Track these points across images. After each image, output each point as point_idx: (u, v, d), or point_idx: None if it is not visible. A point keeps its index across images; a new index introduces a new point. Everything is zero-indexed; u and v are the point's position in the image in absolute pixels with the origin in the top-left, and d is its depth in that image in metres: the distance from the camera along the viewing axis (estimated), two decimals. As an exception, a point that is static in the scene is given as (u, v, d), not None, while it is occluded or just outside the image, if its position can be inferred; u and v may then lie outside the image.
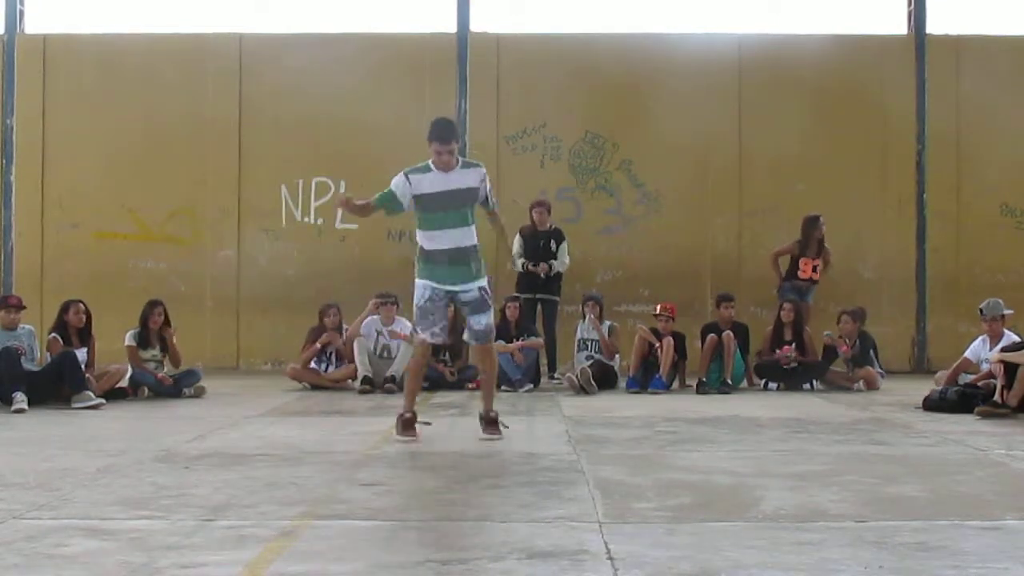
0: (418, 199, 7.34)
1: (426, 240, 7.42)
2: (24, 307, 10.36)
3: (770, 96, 14.29)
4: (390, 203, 7.46)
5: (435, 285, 7.36)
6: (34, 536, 4.40)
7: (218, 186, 14.33)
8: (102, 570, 3.90)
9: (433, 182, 7.33)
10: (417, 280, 7.44)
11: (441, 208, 7.33)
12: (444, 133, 7.31)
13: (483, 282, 7.47)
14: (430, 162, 7.37)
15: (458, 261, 7.37)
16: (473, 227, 7.47)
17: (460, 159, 7.53)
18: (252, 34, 14.52)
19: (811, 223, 12.61)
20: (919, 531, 4.51)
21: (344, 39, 14.43)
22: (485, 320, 7.46)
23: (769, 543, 4.30)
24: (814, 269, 12.60)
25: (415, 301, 7.45)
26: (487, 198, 7.57)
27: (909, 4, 14.55)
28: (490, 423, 7.49)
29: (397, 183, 7.39)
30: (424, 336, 7.44)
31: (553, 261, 12.32)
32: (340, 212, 7.54)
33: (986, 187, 14.31)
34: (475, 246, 7.46)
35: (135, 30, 14.64)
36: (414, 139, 14.15)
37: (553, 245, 12.38)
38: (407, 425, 7.42)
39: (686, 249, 14.21)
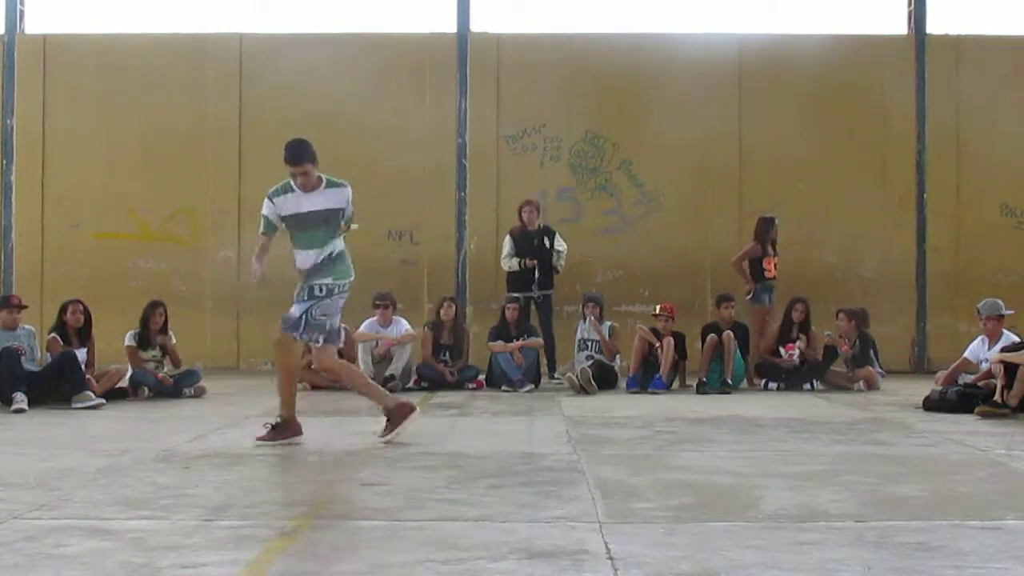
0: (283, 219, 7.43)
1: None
2: (25, 306, 10.36)
3: (770, 96, 14.29)
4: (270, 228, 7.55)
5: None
6: (34, 536, 4.40)
7: (218, 186, 14.33)
8: (102, 570, 3.89)
9: (295, 200, 7.40)
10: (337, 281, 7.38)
11: (305, 226, 7.36)
12: (292, 155, 7.36)
13: (320, 280, 7.37)
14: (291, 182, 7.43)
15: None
16: (337, 240, 7.45)
17: (324, 178, 7.46)
18: (252, 34, 14.53)
19: (768, 224, 12.52)
20: (919, 531, 4.51)
21: (344, 39, 14.44)
22: (294, 308, 7.40)
23: (769, 543, 4.30)
24: (775, 267, 12.56)
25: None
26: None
27: (909, 4, 14.56)
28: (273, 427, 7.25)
29: (264, 205, 7.50)
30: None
31: (558, 250, 12.27)
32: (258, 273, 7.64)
33: (986, 187, 14.32)
34: (336, 254, 7.41)
35: (135, 30, 14.66)
36: (414, 139, 14.34)
37: (547, 242, 12.36)
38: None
39: (686, 249, 14.21)
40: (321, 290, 7.31)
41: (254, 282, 7.71)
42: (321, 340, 7.35)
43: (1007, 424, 8.42)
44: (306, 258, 7.37)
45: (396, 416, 7.28)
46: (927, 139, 14.32)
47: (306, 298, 7.33)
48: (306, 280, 7.35)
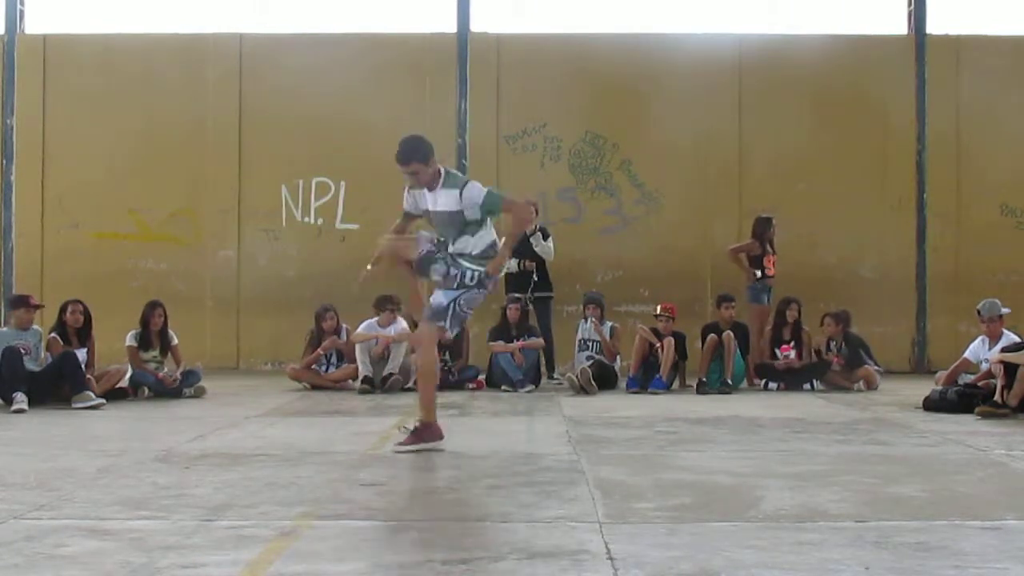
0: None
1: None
2: (41, 306, 10.40)
3: (770, 96, 14.29)
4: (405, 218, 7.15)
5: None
6: (34, 536, 4.40)
7: (218, 186, 14.34)
8: (102, 570, 3.89)
9: (423, 197, 6.93)
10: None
11: (437, 223, 6.96)
12: (399, 156, 6.81)
13: (474, 266, 6.85)
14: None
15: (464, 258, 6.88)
16: (482, 231, 6.89)
17: (443, 171, 6.91)
18: (252, 34, 14.53)
19: (766, 223, 12.54)
20: (919, 531, 4.51)
21: (344, 39, 14.44)
22: (442, 296, 6.86)
23: (769, 543, 4.30)
24: (774, 265, 12.57)
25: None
26: (483, 212, 6.84)
27: (909, 4, 14.56)
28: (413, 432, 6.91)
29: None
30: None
31: (545, 244, 12.21)
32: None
33: (986, 187, 14.32)
34: (491, 246, 6.89)
35: (135, 30, 14.66)
36: (414, 139, 14.32)
37: (531, 241, 12.33)
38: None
39: (686, 249, 14.21)
40: (473, 278, 6.83)
41: (367, 272, 7.13)
42: (453, 331, 7.04)
43: (1007, 424, 8.42)
44: (458, 244, 6.87)
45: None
46: (927, 139, 14.33)
47: (456, 286, 6.82)
48: (455, 261, 6.83)
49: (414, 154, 6.77)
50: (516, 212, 7.12)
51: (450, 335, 7.23)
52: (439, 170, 6.87)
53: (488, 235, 6.88)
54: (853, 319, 12.25)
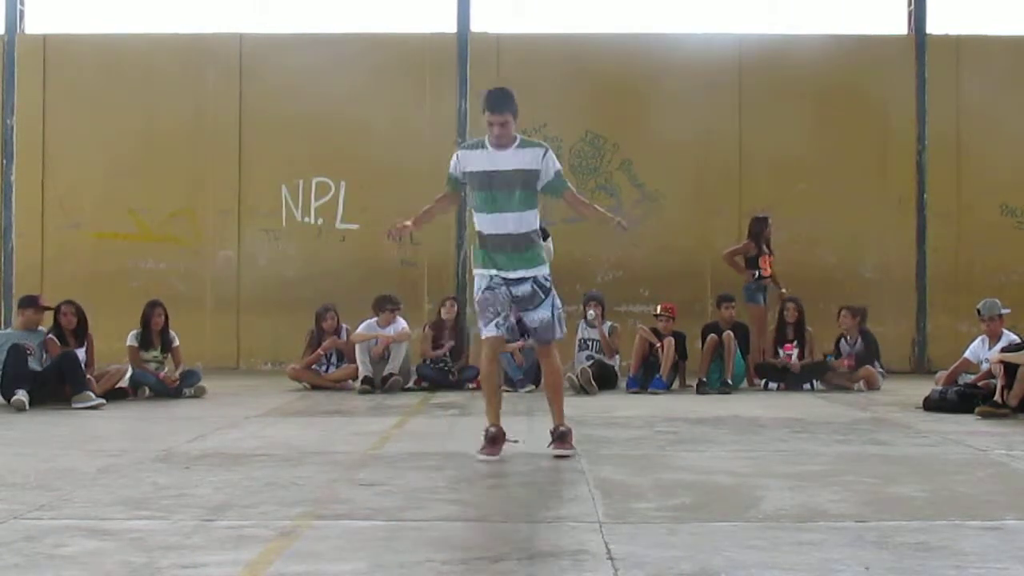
0: (468, 176, 6.69)
1: (479, 224, 6.70)
2: (50, 307, 10.39)
3: (770, 96, 14.29)
4: (453, 185, 6.88)
5: (492, 273, 6.61)
6: (34, 536, 4.39)
7: (218, 186, 14.34)
8: (102, 570, 3.89)
9: (481, 160, 6.63)
10: (474, 270, 6.78)
11: (488, 189, 6.59)
12: (495, 103, 6.53)
13: (537, 271, 6.63)
14: (485, 138, 6.72)
15: (510, 248, 6.59)
16: (532, 212, 6.64)
17: (518, 137, 6.68)
18: (252, 34, 14.53)
19: (762, 223, 12.55)
20: (919, 531, 4.51)
21: (344, 39, 14.44)
22: (539, 316, 6.62)
23: (769, 543, 4.30)
24: (770, 265, 12.58)
25: (475, 294, 6.77)
26: (551, 183, 6.64)
27: (909, 4, 14.56)
28: (561, 438, 6.69)
29: (451, 162, 6.82)
30: (487, 332, 6.65)
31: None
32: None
33: (986, 187, 14.32)
34: (533, 232, 6.64)
35: (135, 30, 14.67)
36: (414, 139, 14.34)
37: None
38: (493, 441, 6.62)
39: (686, 249, 14.21)
40: (547, 280, 6.68)
41: (393, 232, 6.98)
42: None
43: (1007, 424, 8.42)
44: (501, 222, 6.56)
45: (491, 441, 6.61)
46: (927, 139, 14.33)
47: (544, 296, 6.63)
48: (518, 261, 6.57)
49: (510, 102, 6.56)
50: (576, 203, 6.91)
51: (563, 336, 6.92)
52: (515, 134, 6.69)
53: (537, 221, 6.69)
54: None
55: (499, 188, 6.57)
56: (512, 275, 6.57)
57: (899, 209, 14.36)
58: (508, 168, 6.56)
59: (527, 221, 6.61)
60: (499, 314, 6.60)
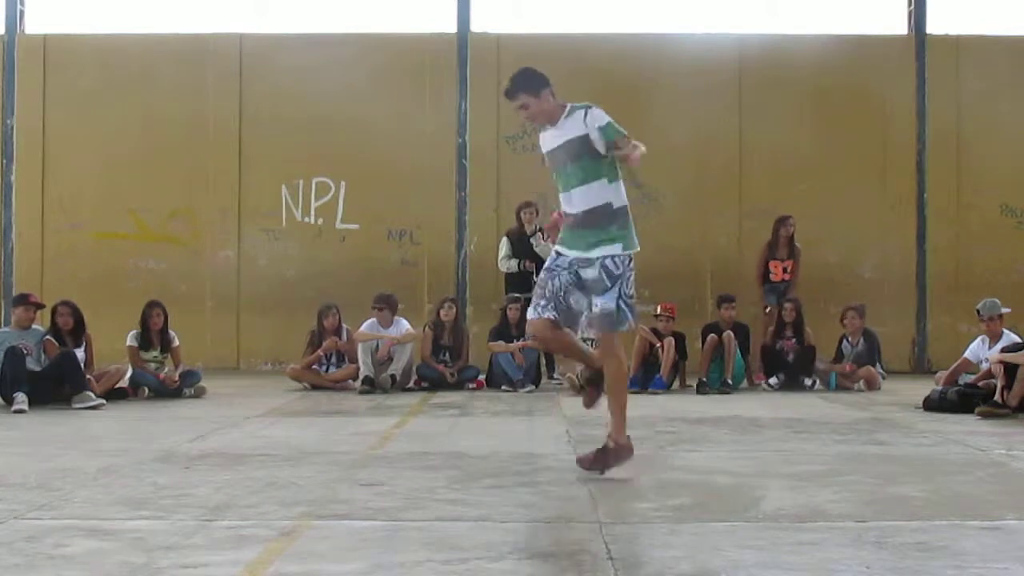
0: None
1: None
2: (42, 305, 10.39)
3: (770, 96, 14.29)
4: None
5: (558, 250, 6.14)
6: (34, 536, 4.39)
7: (218, 186, 14.34)
8: (102, 570, 3.89)
9: (543, 142, 6.27)
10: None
11: (553, 169, 6.21)
12: (506, 91, 6.18)
13: (604, 252, 6.03)
14: None
15: (577, 226, 6.09)
16: (598, 183, 6.07)
17: (567, 106, 6.13)
18: (252, 34, 14.53)
19: (778, 223, 12.68)
20: (919, 531, 4.51)
21: (344, 39, 14.44)
22: (602, 303, 5.95)
23: (769, 543, 4.30)
24: (784, 270, 12.63)
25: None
26: (604, 141, 5.99)
27: (909, 4, 14.56)
28: (601, 452, 6.04)
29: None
30: (528, 315, 6.17)
31: (544, 245, 12.18)
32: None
33: (986, 187, 14.32)
34: (601, 207, 6.06)
35: (135, 30, 14.66)
36: (414, 139, 14.33)
37: (532, 242, 12.33)
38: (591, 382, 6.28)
39: (686, 249, 14.21)
40: (617, 265, 6.04)
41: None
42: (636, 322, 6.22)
43: (1007, 424, 8.42)
44: (567, 200, 6.09)
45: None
46: (927, 139, 14.33)
47: (609, 284, 5.99)
48: (584, 241, 6.02)
49: (520, 85, 6.11)
50: (626, 148, 6.03)
51: (634, 326, 6.40)
52: (563, 105, 6.12)
53: (618, 194, 6.16)
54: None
55: (560, 166, 6.14)
56: (575, 255, 6.03)
57: (899, 209, 14.35)
58: (557, 144, 6.12)
59: (594, 194, 6.03)
60: (545, 297, 6.00)
